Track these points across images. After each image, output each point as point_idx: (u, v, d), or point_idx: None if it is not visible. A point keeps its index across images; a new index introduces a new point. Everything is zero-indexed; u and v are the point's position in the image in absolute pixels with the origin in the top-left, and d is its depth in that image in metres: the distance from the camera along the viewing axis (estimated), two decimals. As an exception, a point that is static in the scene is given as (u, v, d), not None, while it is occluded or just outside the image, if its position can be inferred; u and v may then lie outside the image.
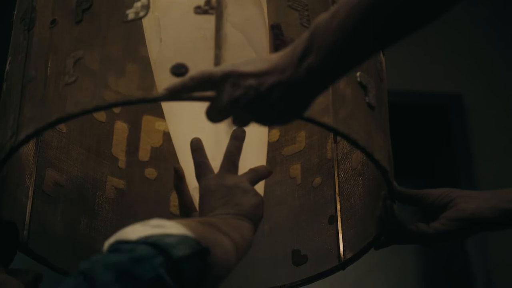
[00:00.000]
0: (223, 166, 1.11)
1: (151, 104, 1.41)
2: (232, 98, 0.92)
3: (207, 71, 0.95)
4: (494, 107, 2.34)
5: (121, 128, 1.39)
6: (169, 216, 1.37)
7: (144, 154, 1.40)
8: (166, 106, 1.28)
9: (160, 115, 1.42)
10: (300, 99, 0.91)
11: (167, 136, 1.42)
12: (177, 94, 0.96)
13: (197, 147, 1.15)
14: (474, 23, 2.43)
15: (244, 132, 1.13)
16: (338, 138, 1.31)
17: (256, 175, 1.13)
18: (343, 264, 1.24)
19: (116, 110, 1.39)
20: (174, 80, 0.98)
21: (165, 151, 1.41)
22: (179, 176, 1.21)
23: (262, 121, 0.95)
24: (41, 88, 1.05)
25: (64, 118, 1.01)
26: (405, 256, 2.36)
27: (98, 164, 1.35)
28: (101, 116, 1.37)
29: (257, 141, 1.24)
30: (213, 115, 0.96)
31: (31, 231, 1.21)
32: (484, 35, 2.48)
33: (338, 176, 1.29)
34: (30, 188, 1.23)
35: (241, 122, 0.96)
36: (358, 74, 1.08)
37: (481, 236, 2.26)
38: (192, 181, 1.20)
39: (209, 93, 0.95)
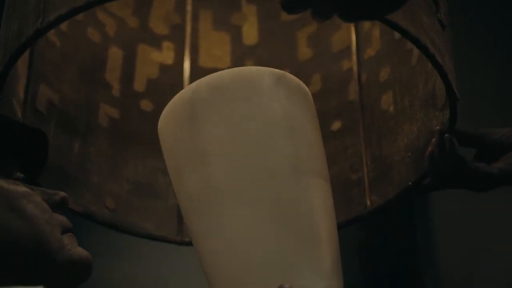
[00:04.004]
0: None
1: (147, 31, 1.28)
2: None
3: None
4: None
5: (115, 54, 1.25)
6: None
7: (139, 84, 1.26)
8: None
9: (157, 45, 1.29)
10: None
11: (164, 68, 1.28)
12: None
13: None
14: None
15: None
16: (363, 78, 1.21)
17: None
18: (370, 213, 1.13)
19: (111, 33, 1.24)
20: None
21: (162, 84, 1.27)
22: None
23: (348, 15, 0.82)
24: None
25: None
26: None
27: (92, 88, 1.20)
28: (95, 36, 1.22)
29: None
30: (290, 5, 0.82)
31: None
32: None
33: (364, 120, 1.19)
34: (24, 102, 1.07)
35: (322, 15, 0.83)
36: None
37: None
38: None
39: None
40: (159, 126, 0.94)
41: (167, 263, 1.87)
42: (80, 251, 0.86)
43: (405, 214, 2.26)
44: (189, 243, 1.15)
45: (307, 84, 1.25)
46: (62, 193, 0.88)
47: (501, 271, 2.11)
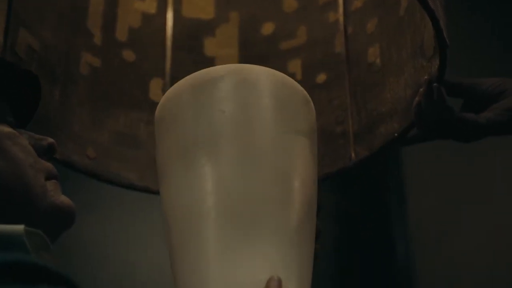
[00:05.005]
0: None
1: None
2: None
3: None
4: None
5: (97, 1, 1.22)
6: (149, 103, 1.21)
7: (121, 33, 1.23)
8: None
9: (139, -6, 1.27)
10: None
11: (146, 17, 1.26)
12: None
13: None
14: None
15: None
16: (349, 30, 1.20)
17: None
18: (355, 164, 1.12)
19: (90, -20, 1.22)
20: None
21: (144, 34, 1.25)
22: None
23: None
24: None
25: None
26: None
27: (73, 35, 1.17)
28: (74, -18, 1.19)
29: None
30: None
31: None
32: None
33: (350, 72, 1.17)
34: (3, 46, 1.04)
35: None
36: None
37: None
38: None
39: None
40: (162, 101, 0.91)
41: (148, 214, 1.86)
42: (63, 199, 0.84)
43: (378, 173, 2.27)
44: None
45: (293, 37, 1.25)
46: (50, 139, 0.86)
47: (471, 227, 2.13)
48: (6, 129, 0.82)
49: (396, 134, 1.06)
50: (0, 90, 0.85)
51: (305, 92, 0.90)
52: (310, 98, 0.91)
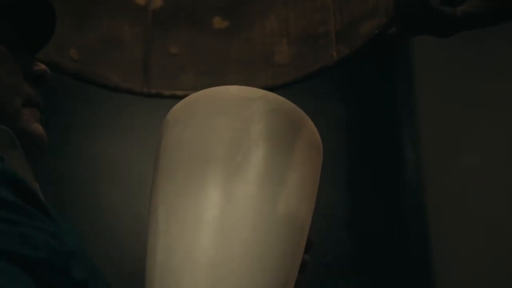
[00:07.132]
0: None
1: None
2: None
3: None
4: None
5: None
6: (133, 6, 1.21)
7: None
8: None
9: None
10: None
11: None
12: None
13: None
14: None
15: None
16: None
17: None
18: (336, 62, 1.12)
19: None
20: None
21: None
22: None
23: None
24: None
25: None
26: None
27: None
28: None
29: None
30: None
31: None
32: None
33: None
34: None
35: None
36: None
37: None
38: None
39: None
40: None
41: (132, 115, 1.87)
42: (36, 127, 0.81)
43: (386, 84, 2.27)
44: (155, 95, 1.15)
45: None
46: (44, 67, 0.84)
47: (482, 130, 2.13)
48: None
49: (376, 31, 1.06)
50: (7, 11, 0.84)
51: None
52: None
